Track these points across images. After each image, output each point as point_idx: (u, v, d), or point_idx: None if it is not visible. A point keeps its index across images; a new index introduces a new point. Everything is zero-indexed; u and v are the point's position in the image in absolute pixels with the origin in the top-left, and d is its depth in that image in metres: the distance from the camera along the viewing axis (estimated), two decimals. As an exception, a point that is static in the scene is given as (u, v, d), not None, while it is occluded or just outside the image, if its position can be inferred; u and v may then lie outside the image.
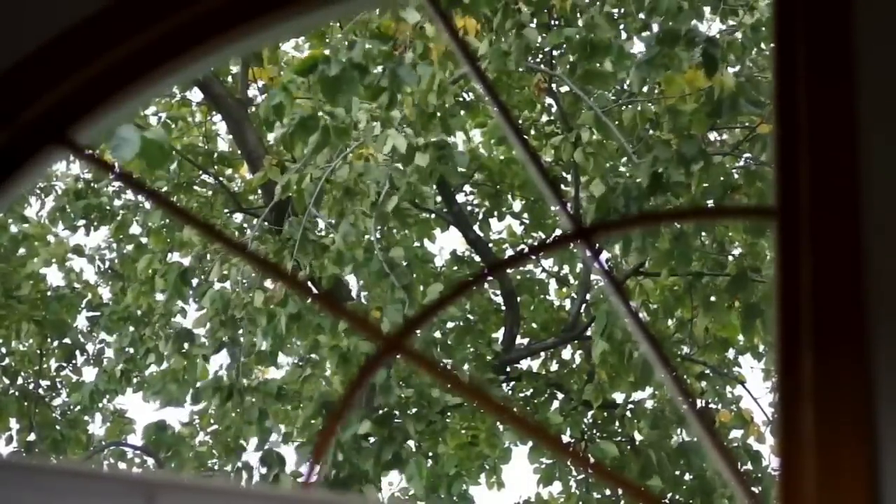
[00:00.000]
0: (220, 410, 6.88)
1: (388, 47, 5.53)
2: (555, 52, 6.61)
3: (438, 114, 5.80)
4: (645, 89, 6.46)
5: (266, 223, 6.79)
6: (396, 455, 6.23)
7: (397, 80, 5.50)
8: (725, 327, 6.98)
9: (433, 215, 7.73)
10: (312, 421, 6.95)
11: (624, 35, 6.41)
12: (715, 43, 5.63)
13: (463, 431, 7.44)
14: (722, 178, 5.88)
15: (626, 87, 6.67)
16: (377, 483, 6.25)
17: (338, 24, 7.26)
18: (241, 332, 6.61)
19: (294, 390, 7.03)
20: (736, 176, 6.23)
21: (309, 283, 6.16)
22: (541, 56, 6.83)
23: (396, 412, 6.34)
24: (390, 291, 6.11)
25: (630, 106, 6.53)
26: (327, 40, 7.60)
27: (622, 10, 6.48)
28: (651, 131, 6.35)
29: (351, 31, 5.78)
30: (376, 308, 6.15)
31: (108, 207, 7.96)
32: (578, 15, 6.33)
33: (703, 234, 6.63)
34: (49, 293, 8.18)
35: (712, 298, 6.50)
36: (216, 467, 7.59)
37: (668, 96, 5.99)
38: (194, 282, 7.04)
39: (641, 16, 6.21)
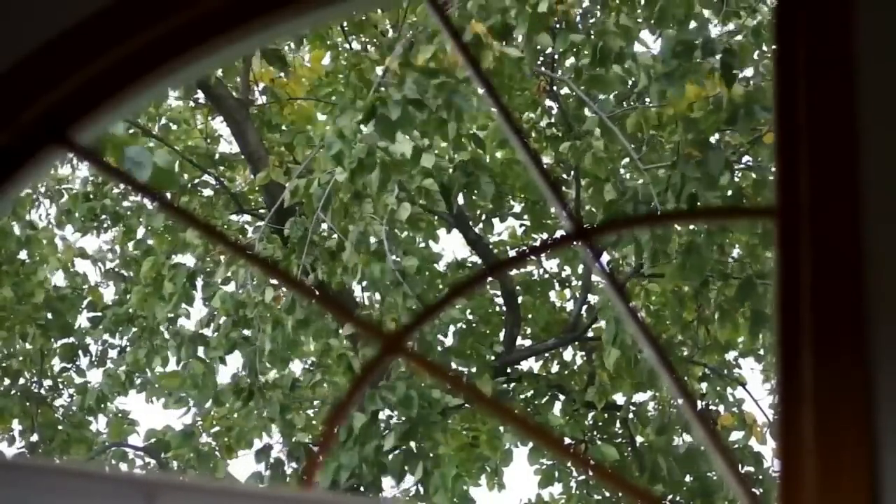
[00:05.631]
0: (242, 412, 6.92)
1: (441, 79, 5.56)
2: (561, 57, 6.62)
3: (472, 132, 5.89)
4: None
5: (269, 224, 6.79)
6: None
7: (455, 110, 5.58)
8: (725, 329, 6.96)
9: (436, 217, 7.73)
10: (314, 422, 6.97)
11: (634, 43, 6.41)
12: (732, 53, 5.65)
13: (464, 433, 7.44)
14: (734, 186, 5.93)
15: (634, 90, 6.67)
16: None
17: (339, 27, 7.28)
18: (252, 331, 6.65)
19: (305, 392, 7.08)
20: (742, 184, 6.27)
21: (308, 284, 6.17)
22: (541, 58, 6.83)
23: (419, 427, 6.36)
24: (402, 300, 6.15)
25: (634, 111, 6.54)
26: (329, 42, 7.62)
27: (626, 16, 6.49)
28: (655, 133, 6.37)
29: (402, 65, 5.78)
30: (392, 318, 6.19)
31: (116, 210, 7.96)
32: (578, 18, 6.34)
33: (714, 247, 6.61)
34: (51, 293, 8.18)
35: (724, 306, 6.49)
36: (227, 468, 7.60)
37: (676, 104, 6.00)
38: (199, 283, 7.07)
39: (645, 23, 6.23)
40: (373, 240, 6.17)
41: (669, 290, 6.87)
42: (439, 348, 7.11)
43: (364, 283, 6.47)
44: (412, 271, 6.27)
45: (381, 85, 5.75)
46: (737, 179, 6.29)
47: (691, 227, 6.32)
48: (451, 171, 6.25)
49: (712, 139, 6.15)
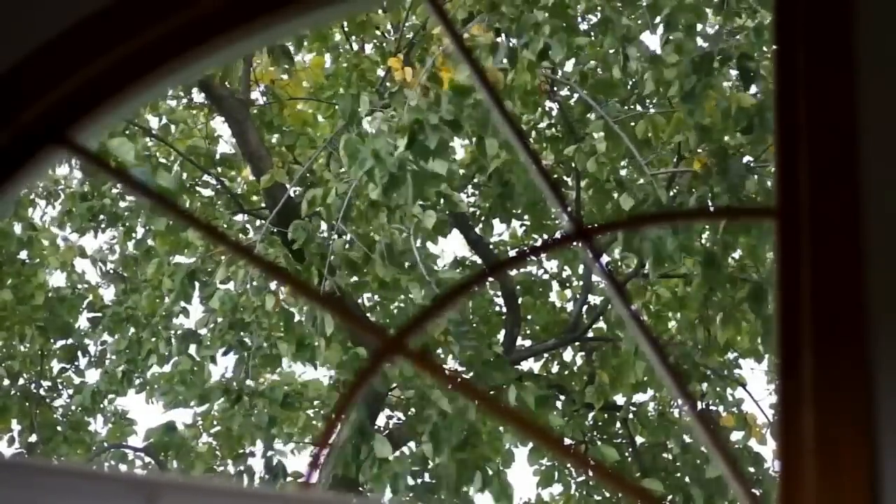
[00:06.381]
0: (226, 413, 6.91)
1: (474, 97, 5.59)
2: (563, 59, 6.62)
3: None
4: (655, 99, 6.49)
5: (270, 225, 6.79)
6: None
7: (485, 130, 5.64)
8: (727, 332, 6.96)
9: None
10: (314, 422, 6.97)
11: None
12: (749, 57, 5.65)
13: (464, 433, 7.42)
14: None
15: (634, 91, 6.67)
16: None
17: (342, 27, 7.27)
18: (246, 335, 6.63)
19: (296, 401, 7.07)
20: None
21: (312, 286, 6.16)
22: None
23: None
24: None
25: (642, 117, 6.54)
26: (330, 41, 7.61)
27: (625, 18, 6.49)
28: (662, 137, 6.37)
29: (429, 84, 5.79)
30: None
31: (114, 210, 7.95)
32: (578, 17, 6.34)
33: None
34: (51, 294, 8.18)
35: (729, 310, 6.50)
36: (219, 468, 7.60)
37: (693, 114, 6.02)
38: (198, 283, 7.07)
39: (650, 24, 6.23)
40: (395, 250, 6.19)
41: (670, 287, 6.87)
42: (440, 351, 7.11)
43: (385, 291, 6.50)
44: (447, 284, 6.29)
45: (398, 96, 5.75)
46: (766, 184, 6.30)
47: (703, 237, 6.35)
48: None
49: (727, 146, 6.17)
